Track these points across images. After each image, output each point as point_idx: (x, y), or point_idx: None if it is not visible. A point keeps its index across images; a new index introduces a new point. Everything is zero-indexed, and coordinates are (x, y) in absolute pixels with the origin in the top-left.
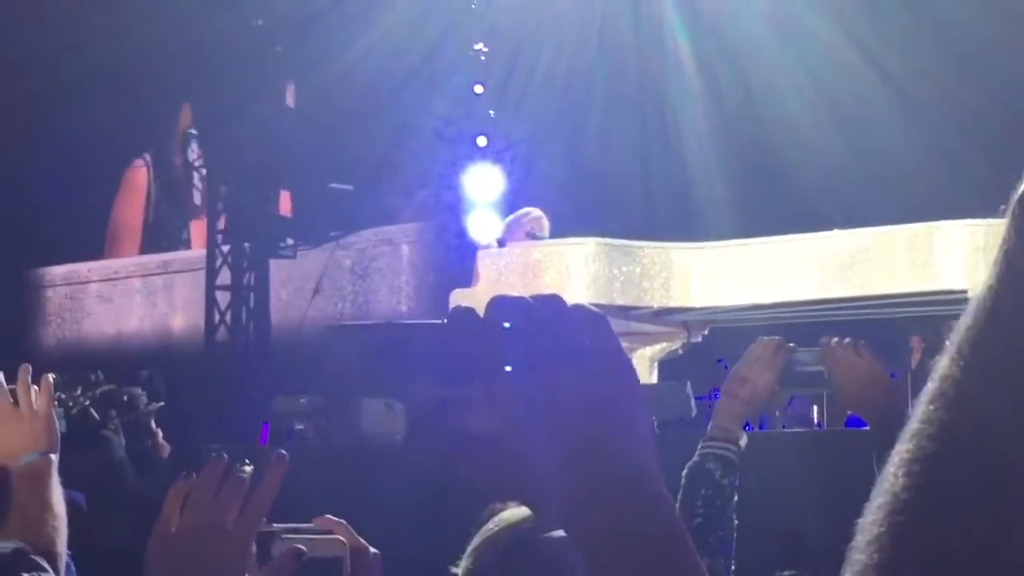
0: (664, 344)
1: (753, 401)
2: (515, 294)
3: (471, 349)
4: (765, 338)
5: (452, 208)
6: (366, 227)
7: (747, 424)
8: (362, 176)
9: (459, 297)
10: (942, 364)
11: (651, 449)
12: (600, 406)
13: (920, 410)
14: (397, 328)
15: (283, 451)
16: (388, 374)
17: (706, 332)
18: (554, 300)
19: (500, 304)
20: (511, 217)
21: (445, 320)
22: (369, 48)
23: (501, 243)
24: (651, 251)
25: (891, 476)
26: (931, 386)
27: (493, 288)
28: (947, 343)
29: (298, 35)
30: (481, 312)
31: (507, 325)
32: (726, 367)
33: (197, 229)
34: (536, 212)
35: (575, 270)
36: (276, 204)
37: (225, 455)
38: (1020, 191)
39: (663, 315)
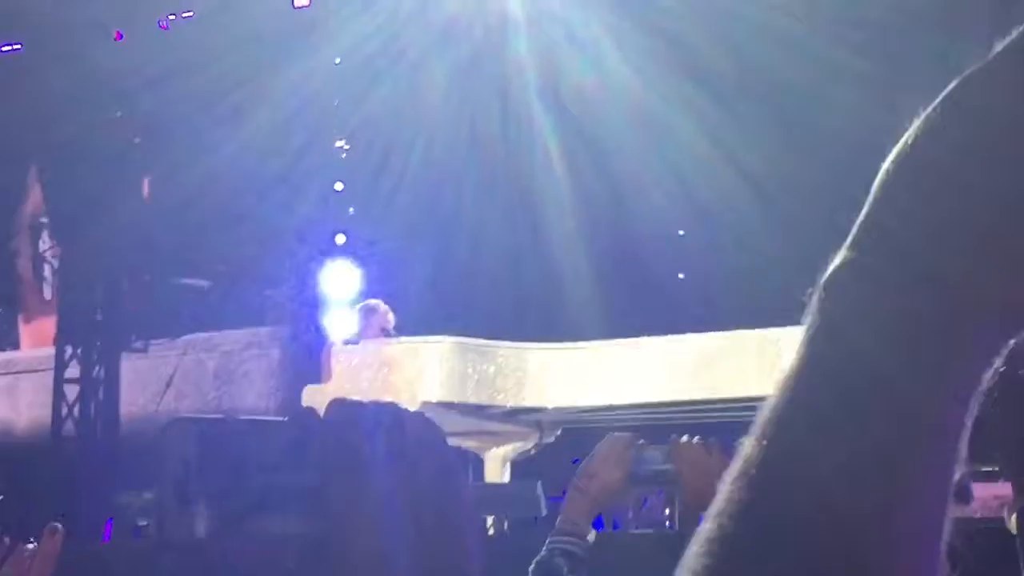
0: (517, 444)
1: (601, 497)
2: (354, 398)
3: (305, 445)
4: (614, 434)
5: (309, 306)
6: (224, 326)
7: (598, 522)
8: (221, 274)
9: (311, 394)
10: (746, 445)
11: (472, 550)
12: (425, 505)
13: (722, 489)
14: (237, 422)
15: (57, 524)
16: (221, 466)
17: (559, 432)
18: (387, 406)
19: (337, 406)
20: (361, 306)
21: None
22: (232, 147)
23: (351, 341)
24: (506, 351)
25: (693, 555)
26: (734, 466)
27: (347, 384)
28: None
29: (158, 129)
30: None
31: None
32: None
33: (29, 327)
34: (383, 306)
35: (430, 368)
36: (127, 299)
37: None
38: (826, 274)
39: (516, 415)
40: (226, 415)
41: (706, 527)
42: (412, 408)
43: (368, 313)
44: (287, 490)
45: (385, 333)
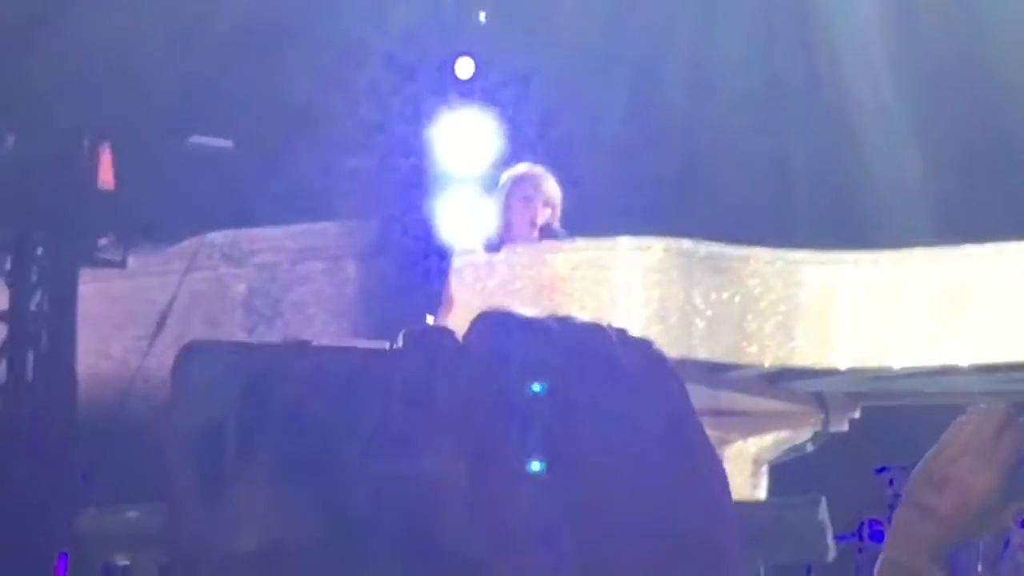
0: (782, 435)
1: (958, 518)
2: (519, 313)
3: (445, 391)
4: (983, 407)
5: (412, 187)
6: (262, 220)
7: (953, 558)
8: (254, 129)
9: None
10: None
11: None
12: (666, 494)
13: None
14: (312, 353)
15: None
16: (296, 438)
17: (857, 415)
18: (591, 328)
19: (492, 323)
20: (504, 180)
21: (397, 343)
22: None
23: (492, 246)
24: (763, 263)
25: None
26: None
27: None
28: None
29: None
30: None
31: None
32: (891, 482)
33: None
34: (542, 175)
35: (627, 291)
36: (94, 171)
37: None
38: None
39: (782, 381)
40: (284, 342)
41: None
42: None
43: (515, 190)
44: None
45: (544, 230)
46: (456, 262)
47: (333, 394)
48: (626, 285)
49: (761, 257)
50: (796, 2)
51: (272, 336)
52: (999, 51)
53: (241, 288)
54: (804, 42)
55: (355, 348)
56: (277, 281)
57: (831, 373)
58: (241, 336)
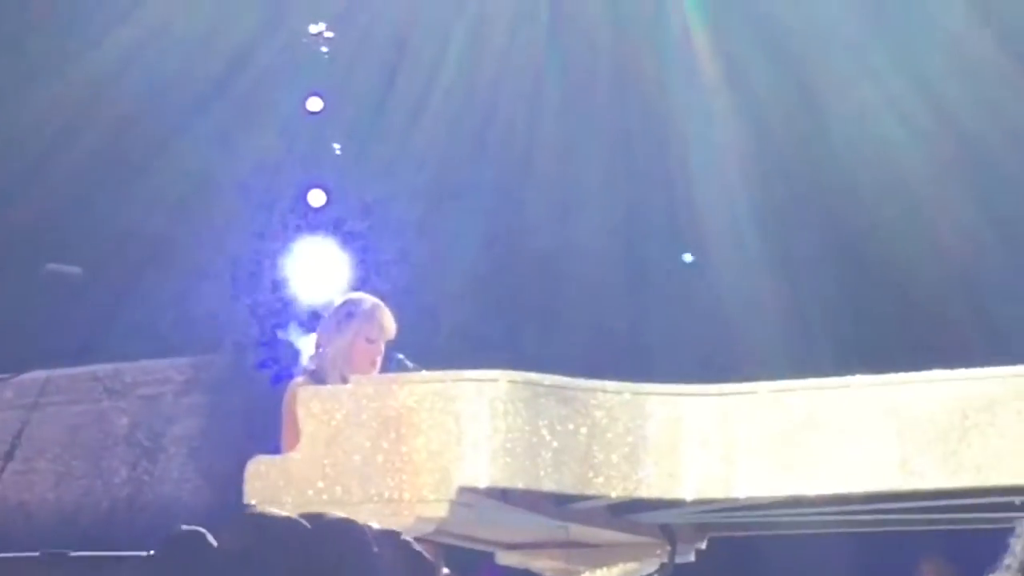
0: (628, 566)
1: None
2: (278, 513)
3: None
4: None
5: (264, 317)
6: (113, 353)
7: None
8: (107, 256)
9: (260, 472)
10: None
11: None
12: None
13: None
14: (67, 563)
15: None
16: None
17: (703, 545)
18: (344, 527)
19: (246, 526)
20: (338, 306)
21: (155, 551)
22: (132, 33)
23: (312, 374)
24: (610, 396)
25: None
26: None
27: (324, 459)
28: None
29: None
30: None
31: None
32: None
33: None
34: (375, 306)
35: (474, 426)
36: None
37: None
38: None
39: (628, 512)
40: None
41: None
42: (435, 503)
43: (362, 329)
44: None
45: (383, 359)
46: (301, 392)
47: None
48: (472, 417)
49: (608, 388)
50: (655, 130)
51: (155, 469)
52: (863, 186)
53: (123, 421)
54: (663, 169)
55: (112, 556)
56: (160, 415)
57: (677, 504)
58: (122, 471)
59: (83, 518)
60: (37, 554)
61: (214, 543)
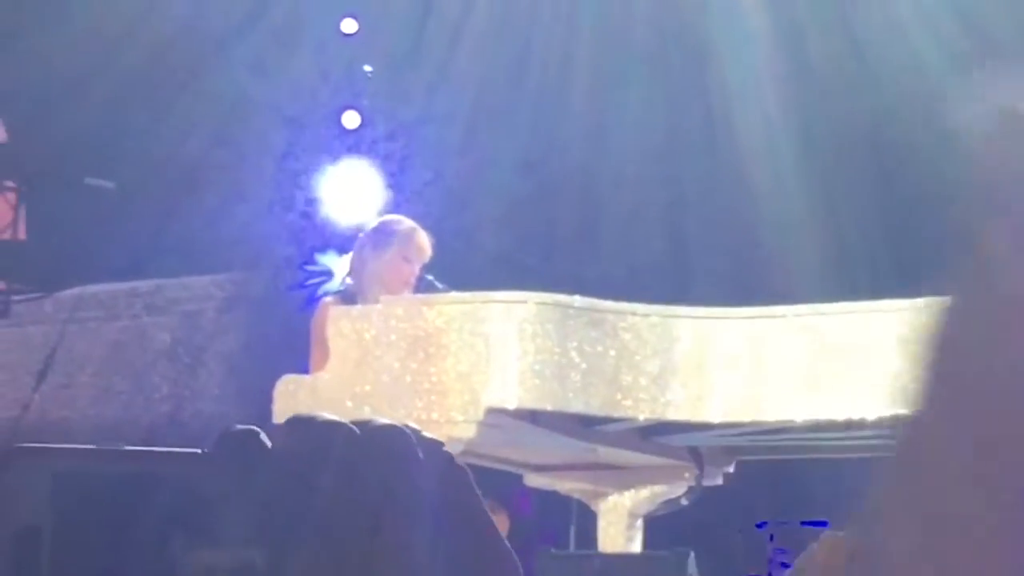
0: (656, 488)
1: None
2: (328, 417)
3: (245, 500)
4: (833, 534)
5: (300, 237)
6: (149, 271)
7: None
8: (141, 173)
9: (289, 391)
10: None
11: None
12: None
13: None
14: (126, 457)
15: None
16: (112, 539)
17: (731, 468)
18: (392, 433)
19: (297, 426)
20: (371, 229)
21: (207, 449)
22: None
23: (346, 294)
24: (638, 318)
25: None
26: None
27: (354, 376)
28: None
29: None
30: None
31: None
32: (772, 537)
33: None
34: (410, 228)
35: (502, 345)
36: None
37: None
38: None
39: (656, 434)
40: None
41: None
42: (464, 424)
43: (382, 239)
44: None
45: (415, 281)
46: (332, 311)
47: (146, 495)
48: (501, 338)
49: (637, 311)
50: (692, 51)
51: (196, 385)
52: (900, 106)
53: (164, 337)
54: (700, 92)
55: (167, 451)
56: (201, 330)
57: (705, 427)
58: (163, 387)
59: (124, 433)
60: (92, 447)
61: (268, 443)
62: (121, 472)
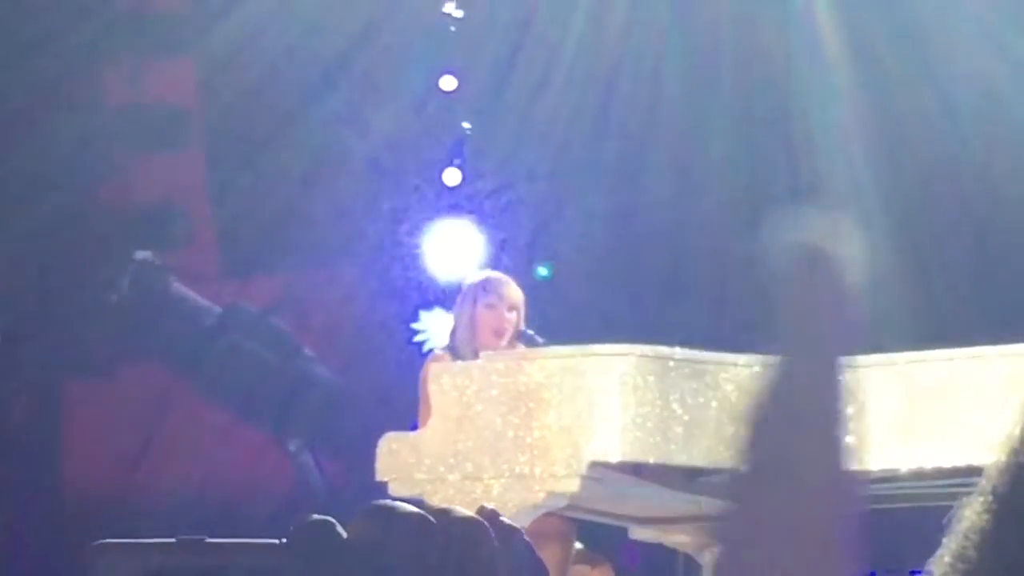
0: None
1: None
2: (406, 507)
3: None
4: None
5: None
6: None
7: None
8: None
9: (392, 449)
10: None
11: None
12: None
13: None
14: (206, 549)
15: None
16: None
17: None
18: (469, 526)
19: (374, 516)
20: (468, 287)
21: (286, 539)
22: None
23: (449, 350)
24: (739, 368)
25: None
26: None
27: (456, 432)
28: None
29: None
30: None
31: None
32: None
33: None
34: (503, 283)
35: (605, 400)
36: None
37: None
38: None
39: None
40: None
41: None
42: (566, 479)
43: (480, 298)
44: None
45: (521, 336)
46: (433, 368)
47: None
48: (603, 392)
49: (738, 362)
50: (777, 105)
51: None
52: (986, 158)
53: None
54: (785, 145)
55: (245, 543)
56: None
57: None
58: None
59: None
60: (173, 540)
61: (343, 534)
62: (201, 566)
